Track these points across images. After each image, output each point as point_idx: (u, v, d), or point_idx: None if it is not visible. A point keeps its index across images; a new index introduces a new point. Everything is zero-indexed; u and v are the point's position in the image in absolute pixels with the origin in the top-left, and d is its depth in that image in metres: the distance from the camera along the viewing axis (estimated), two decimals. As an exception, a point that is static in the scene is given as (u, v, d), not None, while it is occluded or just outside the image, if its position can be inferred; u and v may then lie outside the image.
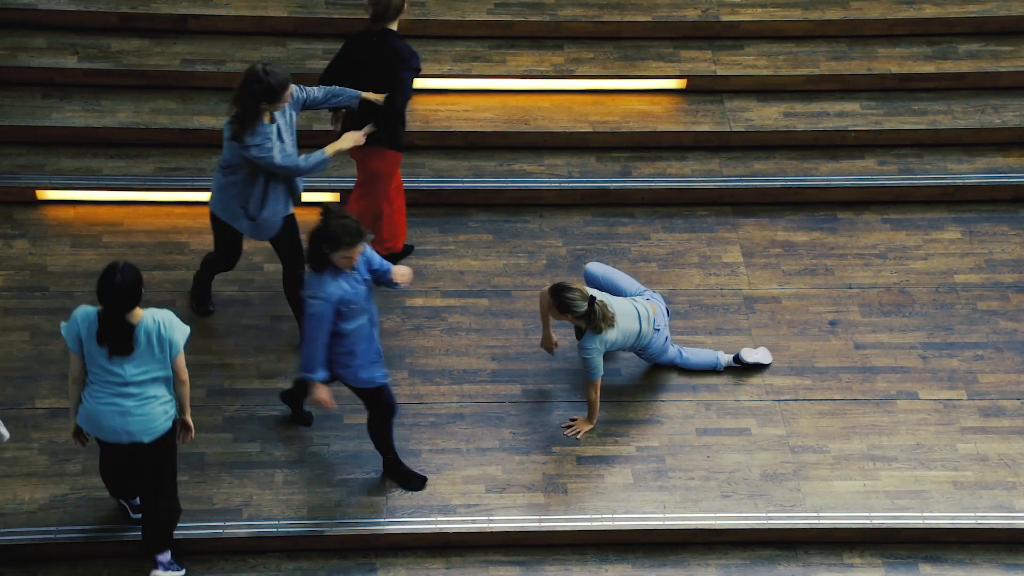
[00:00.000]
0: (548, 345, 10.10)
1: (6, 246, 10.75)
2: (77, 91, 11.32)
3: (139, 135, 11.17)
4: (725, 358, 10.30)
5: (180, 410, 8.63)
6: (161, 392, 8.46)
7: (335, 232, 8.63)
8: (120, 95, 11.34)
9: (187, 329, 8.44)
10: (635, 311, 9.83)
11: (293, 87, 9.39)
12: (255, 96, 9.14)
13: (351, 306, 8.82)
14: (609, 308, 9.64)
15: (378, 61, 9.83)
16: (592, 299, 9.55)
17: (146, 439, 8.47)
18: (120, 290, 8.15)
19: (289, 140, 9.43)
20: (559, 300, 9.55)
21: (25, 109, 11.19)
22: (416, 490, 9.58)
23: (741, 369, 10.32)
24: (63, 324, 8.39)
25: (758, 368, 10.33)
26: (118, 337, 8.26)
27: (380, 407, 9.30)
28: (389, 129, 10.00)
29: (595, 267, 10.14)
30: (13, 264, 10.65)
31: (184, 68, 11.36)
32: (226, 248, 9.92)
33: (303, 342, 8.88)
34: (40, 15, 11.45)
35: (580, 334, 9.73)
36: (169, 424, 8.54)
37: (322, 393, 9.00)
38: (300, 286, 9.84)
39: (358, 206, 10.32)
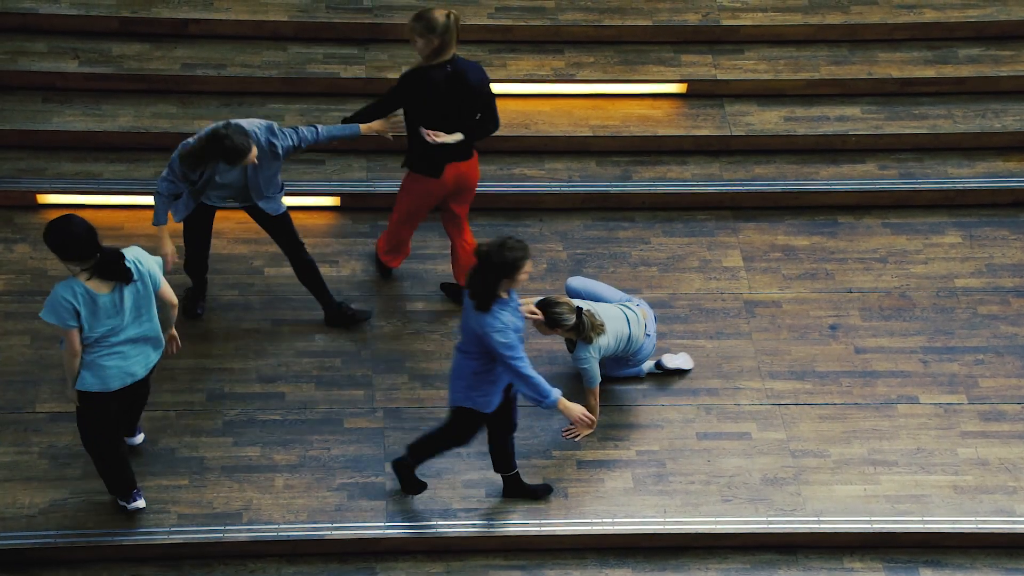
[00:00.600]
0: None
1: (7, 250, 10.75)
2: (78, 95, 11.32)
3: (140, 139, 11.17)
4: (647, 365, 10.28)
5: (166, 327, 9.03)
6: (153, 332, 8.74)
7: (507, 258, 8.52)
8: (121, 99, 11.34)
9: (159, 258, 8.75)
10: (622, 315, 9.83)
11: (288, 135, 9.49)
12: (212, 153, 9.26)
13: (521, 332, 8.77)
14: (597, 316, 9.64)
15: (465, 91, 9.64)
16: (579, 310, 9.54)
17: (144, 373, 8.83)
18: (87, 230, 8.30)
19: (260, 182, 9.57)
20: (548, 316, 9.52)
21: (26, 113, 11.19)
22: (416, 494, 9.57)
23: (663, 375, 10.29)
24: (44, 314, 8.42)
25: (679, 374, 10.31)
26: (120, 266, 8.44)
27: (466, 431, 9.18)
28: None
29: (576, 281, 10.14)
30: (14, 268, 10.65)
31: (184, 72, 11.35)
32: (190, 241, 10.02)
33: (518, 380, 8.66)
34: (41, 19, 11.46)
35: (572, 346, 9.73)
36: (159, 354, 8.88)
37: (578, 408, 8.84)
38: (309, 269, 10.05)
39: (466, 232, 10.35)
